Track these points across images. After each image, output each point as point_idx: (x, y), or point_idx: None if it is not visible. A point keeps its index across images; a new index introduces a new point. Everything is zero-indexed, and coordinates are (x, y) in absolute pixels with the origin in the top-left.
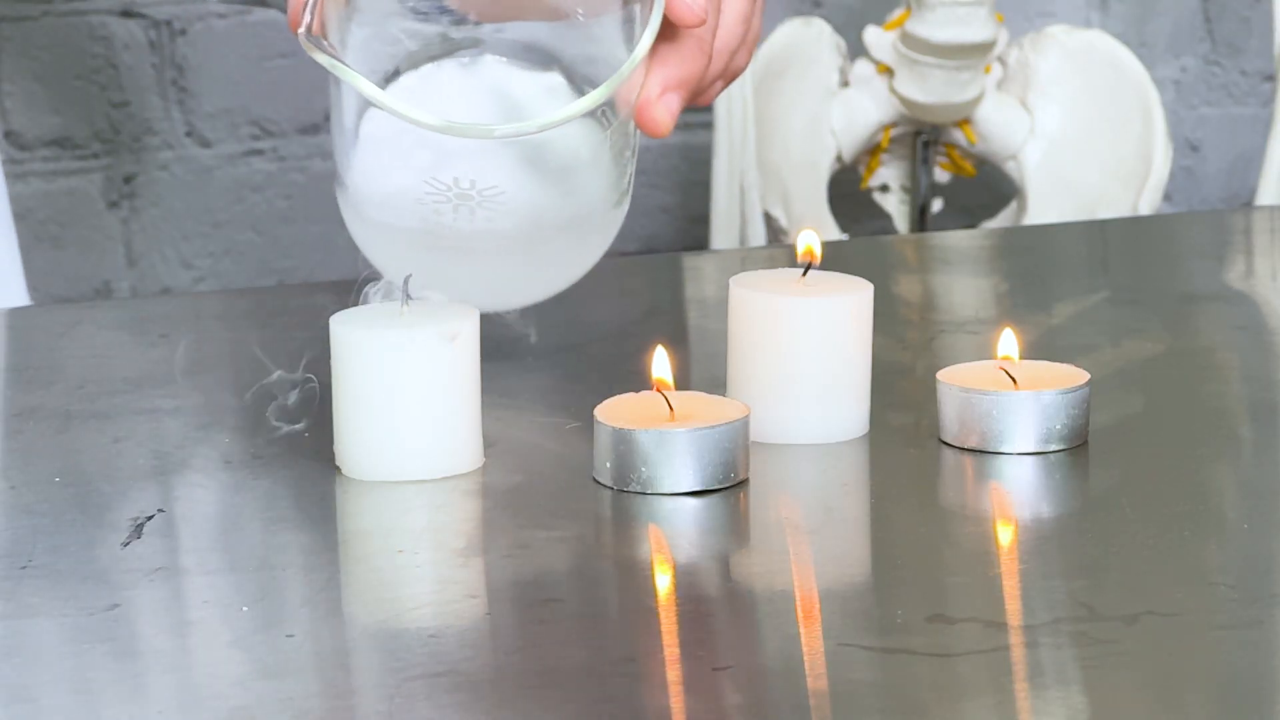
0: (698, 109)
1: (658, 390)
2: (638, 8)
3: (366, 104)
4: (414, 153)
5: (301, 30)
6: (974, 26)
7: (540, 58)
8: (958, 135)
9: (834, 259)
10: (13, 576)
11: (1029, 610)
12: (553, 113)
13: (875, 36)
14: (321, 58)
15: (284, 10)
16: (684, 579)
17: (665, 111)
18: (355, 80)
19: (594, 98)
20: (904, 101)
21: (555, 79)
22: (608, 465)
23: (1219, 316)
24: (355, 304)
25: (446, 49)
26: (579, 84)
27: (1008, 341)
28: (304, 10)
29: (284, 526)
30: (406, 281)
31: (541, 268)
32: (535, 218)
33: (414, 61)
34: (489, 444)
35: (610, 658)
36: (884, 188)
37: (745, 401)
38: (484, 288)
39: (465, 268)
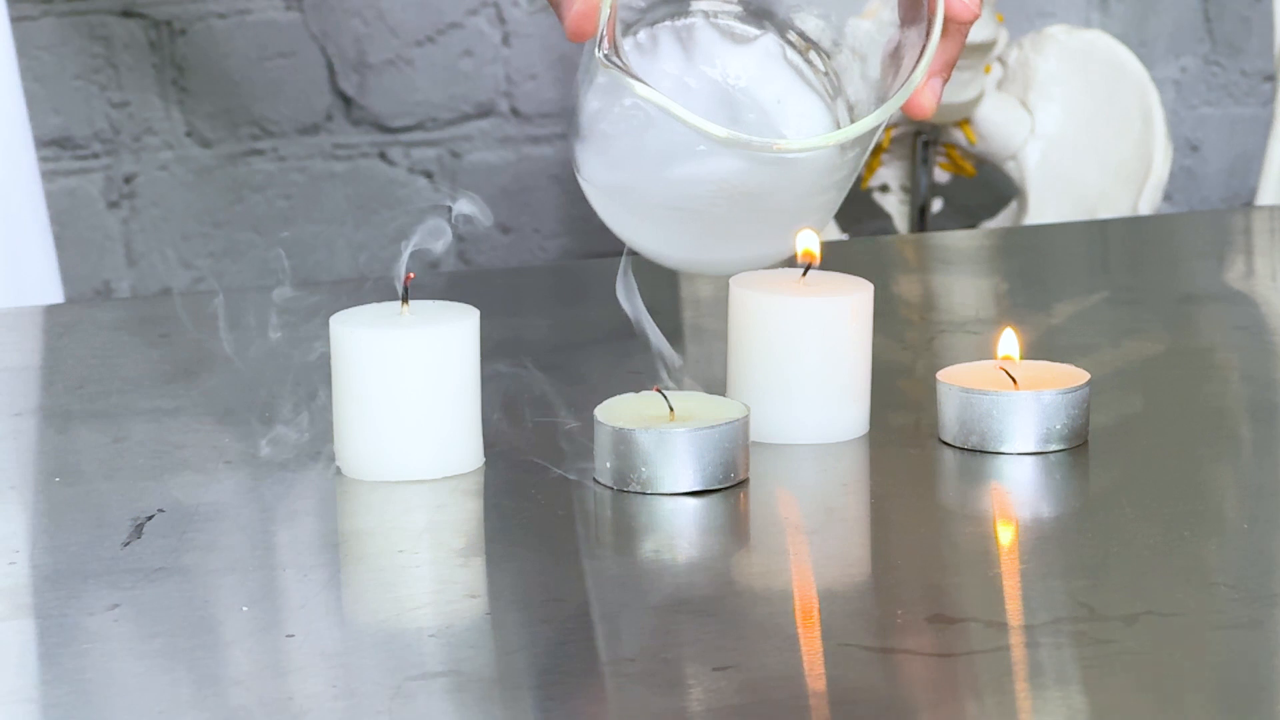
0: None
1: (656, 390)
2: None
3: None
4: (685, 145)
5: (600, 53)
6: (974, 26)
7: (751, 10)
8: (958, 135)
9: (834, 259)
10: (12, 576)
11: (1029, 610)
12: (843, 131)
13: None
14: (616, 74)
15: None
16: (684, 579)
17: (931, 96)
18: (644, 92)
19: (887, 108)
20: None
21: (769, 42)
22: (608, 465)
23: (1219, 316)
24: None
25: (656, 6)
26: (791, 40)
27: (1008, 341)
28: (600, 26)
29: (284, 526)
30: (406, 284)
31: (776, 238)
32: (784, 200)
33: (626, 26)
34: (489, 444)
35: (610, 658)
36: (884, 188)
37: (745, 401)
38: (720, 254)
39: (708, 238)
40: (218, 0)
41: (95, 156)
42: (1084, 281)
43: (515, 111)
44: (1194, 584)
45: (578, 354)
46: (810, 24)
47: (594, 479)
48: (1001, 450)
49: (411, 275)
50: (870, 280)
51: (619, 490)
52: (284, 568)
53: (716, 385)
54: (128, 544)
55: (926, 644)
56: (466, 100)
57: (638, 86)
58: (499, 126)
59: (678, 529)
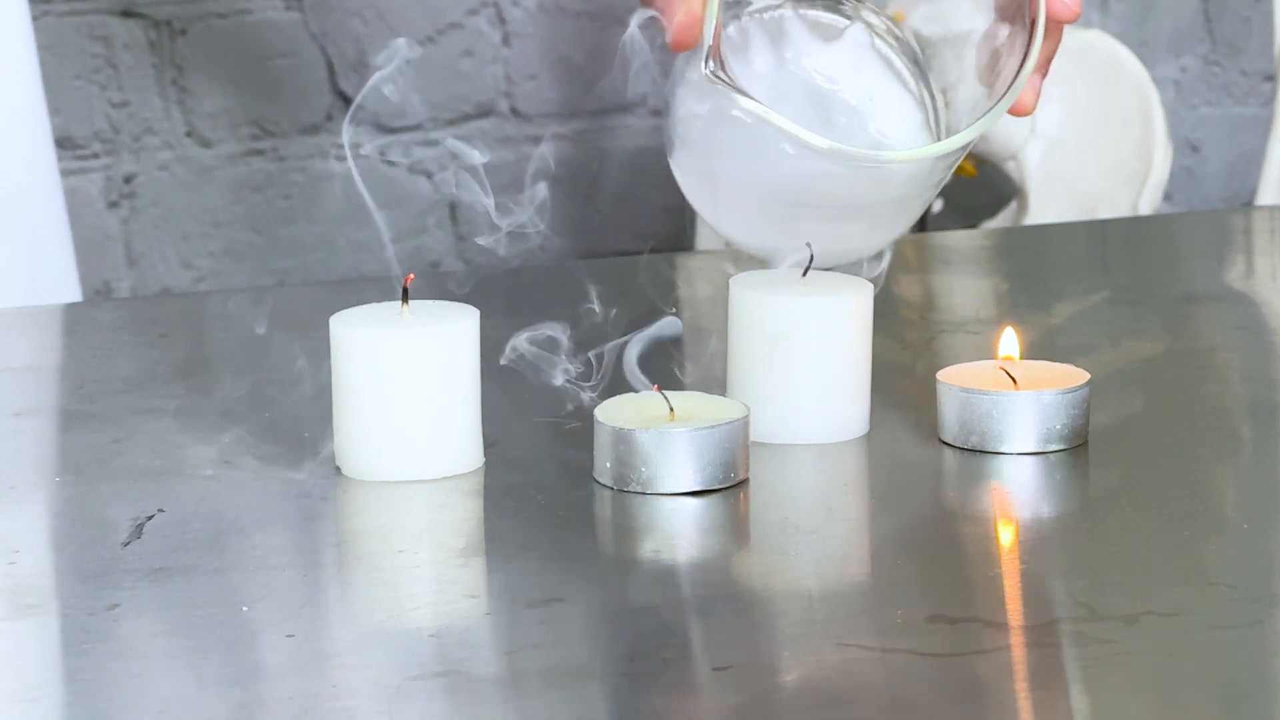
0: None
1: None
2: None
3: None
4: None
5: (707, 70)
6: None
7: None
8: None
9: None
10: (13, 576)
11: (1029, 610)
12: (946, 142)
13: None
14: (722, 88)
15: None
16: (684, 579)
17: (1033, 94)
18: (748, 105)
19: (990, 117)
20: None
21: (858, 32)
22: (608, 465)
23: (1219, 316)
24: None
25: None
26: (877, 25)
27: (1008, 341)
28: (706, 41)
29: (284, 526)
30: (406, 284)
31: (871, 233)
32: (879, 198)
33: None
34: (489, 444)
35: (610, 658)
36: None
37: (745, 401)
38: (815, 247)
39: (802, 234)
40: (218, 0)
41: (95, 156)
42: (1084, 281)
43: (515, 111)
44: (1194, 584)
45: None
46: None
47: (594, 479)
48: (1001, 450)
49: (412, 275)
50: (870, 280)
51: (619, 490)
52: (284, 568)
53: (716, 385)
54: (128, 544)
55: (926, 644)
56: (466, 100)
57: (742, 100)
58: (499, 126)
59: (678, 529)
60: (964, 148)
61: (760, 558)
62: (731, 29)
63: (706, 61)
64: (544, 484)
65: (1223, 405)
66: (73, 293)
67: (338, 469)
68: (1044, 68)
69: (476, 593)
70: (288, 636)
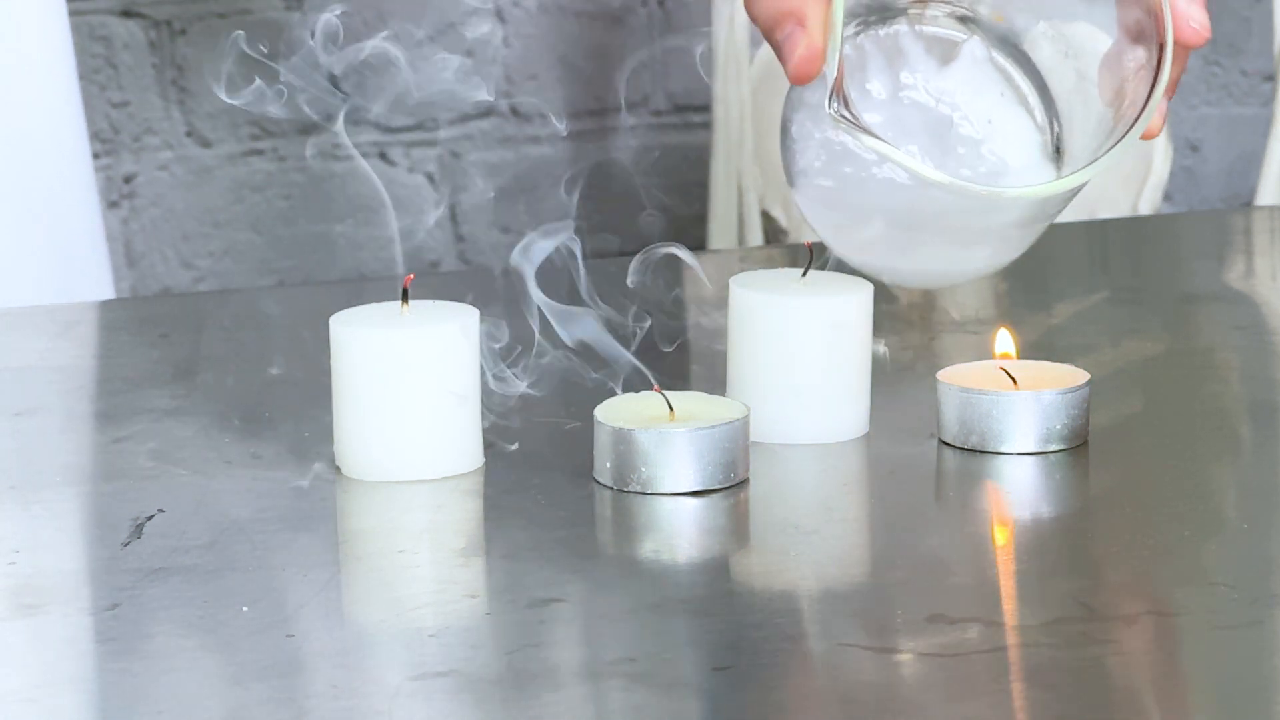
0: (700, 109)
1: (656, 390)
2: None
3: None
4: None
5: (831, 109)
6: None
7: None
8: None
9: None
10: (13, 576)
11: (1029, 610)
12: (1070, 178)
13: None
14: (845, 127)
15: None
16: (684, 579)
17: (1160, 117)
18: (873, 144)
19: (1121, 149)
20: None
21: (975, 46)
22: (608, 465)
23: (1219, 316)
24: None
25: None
26: (995, 42)
27: (1003, 341)
28: (830, 78)
29: (284, 526)
30: (406, 284)
31: (998, 254)
32: (997, 225)
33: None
34: (489, 444)
35: (610, 658)
36: None
37: (745, 401)
38: (928, 268)
39: (928, 255)
40: (218, 0)
41: (95, 156)
42: (1084, 281)
43: (515, 111)
44: (1194, 584)
45: (577, 354)
46: (1019, 21)
47: (594, 479)
48: (1001, 450)
49: (412, 276)
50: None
51: (619, 490)
52: (284, 568)
53: (717, 385)
54: (128, 544)
55: (926, 644)
56: (467, 100)
57: (867, 139)
58: (499, 126)
59: (678, 529)
60: (1087, 182)
61: (760, 558)
62: (847, 48)
63: (831, 100)
64: (544, 484)
65: (1223, 405)
66: (106, 291)
67: (338, 469)
68: (1171, 89)
69: (476, 593)
70: (288, 636)
